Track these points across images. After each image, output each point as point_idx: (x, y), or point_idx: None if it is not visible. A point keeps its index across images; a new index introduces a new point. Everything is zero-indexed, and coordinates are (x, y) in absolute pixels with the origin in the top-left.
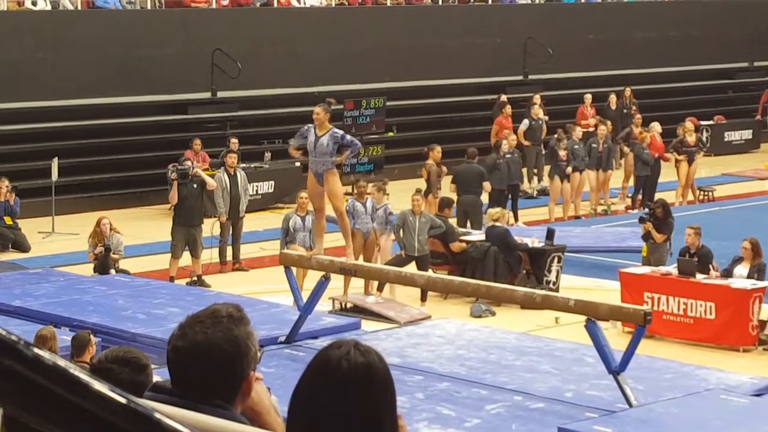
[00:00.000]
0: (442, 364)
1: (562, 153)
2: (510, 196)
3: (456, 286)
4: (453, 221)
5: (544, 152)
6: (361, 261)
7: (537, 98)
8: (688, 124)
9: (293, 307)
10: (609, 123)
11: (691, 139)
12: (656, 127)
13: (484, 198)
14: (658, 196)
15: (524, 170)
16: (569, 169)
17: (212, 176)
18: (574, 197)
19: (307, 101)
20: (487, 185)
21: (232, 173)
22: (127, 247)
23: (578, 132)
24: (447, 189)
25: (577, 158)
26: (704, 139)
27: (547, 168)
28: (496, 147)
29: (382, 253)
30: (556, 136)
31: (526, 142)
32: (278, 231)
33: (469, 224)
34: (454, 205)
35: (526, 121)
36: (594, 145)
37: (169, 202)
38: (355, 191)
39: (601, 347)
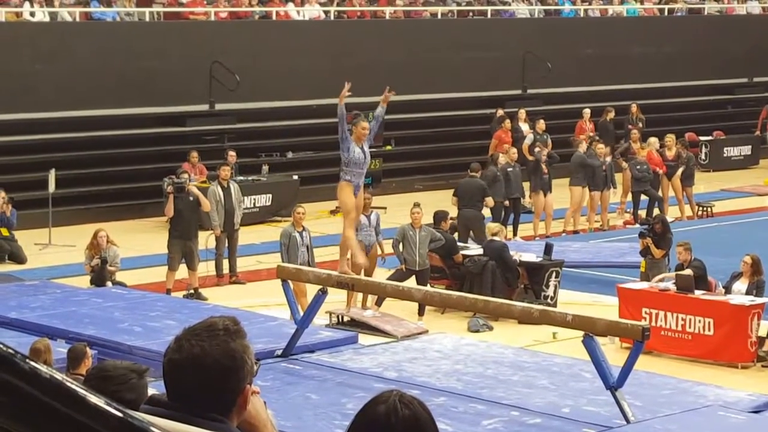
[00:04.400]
0: (439, 379)
1: (545, 167)
2: (513, 210)
3: (454, 300)
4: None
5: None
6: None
7: (522, 113)
8: (668, 138)
9: (290, 320)
10: (598, 139)
11: (670, 153)
12: (654, 142)
13: (486, 212)
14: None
15: (526, 184)
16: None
17: (207, 189)
18: (572, 212)
19: (306, 114)
20: (489, 201)
21: (226, 186)
22: (123, 260)
23: (583, 146)
24: (448, 202)
25: (579, 174)
26: (703, 155)
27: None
28: (493, 160)
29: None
30: (537, 149)
31: (530, 157)
32: (275, 244)
33: (471, 238)
34: (449, 217)
35: (531, 136)
36: (597, 165)
37: (165, 215)
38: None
39: (598, 363)
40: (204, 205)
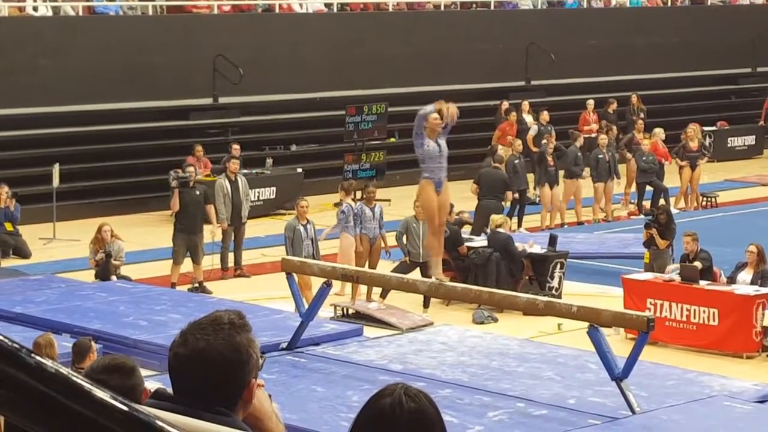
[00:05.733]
0: (444, 371)
1: (550, 159)
2: (518, 202)
3: (458, 292)
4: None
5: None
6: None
7: (526, 104)
8: (691, 129)
9: (295, 313)
10: (614, 128)
11: (693, 144)
12: (659, 132)
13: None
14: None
15: (530, 176)
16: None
17: (213, 182)
18: (572, 204)
19: (309, 107)
20: (509, 194)
21: (234, 179)
22: (128, 254)
23: (581, 140)
24: (467, 190)
25: (579, 165)
26: (707, 144)
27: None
28: (492, 152)
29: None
30: (543, 141)
31: (534, 148)
32: (280, 237)
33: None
34: (454, 209)
35: (535, 127)
36: (600, 156)
37: (170, 209)
38: (365, 196)
39: (603, 354)
40: (213, 233)
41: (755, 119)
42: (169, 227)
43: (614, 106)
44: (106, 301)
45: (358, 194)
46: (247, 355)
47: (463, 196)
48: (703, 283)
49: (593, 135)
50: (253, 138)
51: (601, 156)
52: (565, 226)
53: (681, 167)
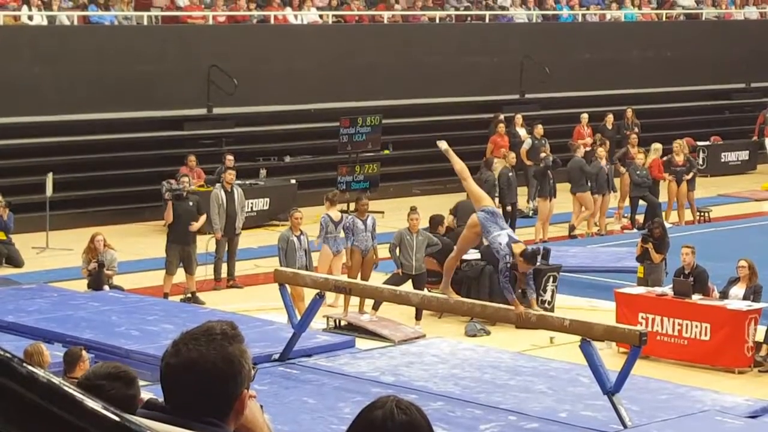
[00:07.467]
0: (437, 383)
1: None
2: (510, 215)
3: (451, 305)
4: None
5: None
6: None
7: (519, 118)
8: (677, 144)
9: (287, 324)
10: (607, 143)
11: (679, 159)
12: (659, 149)
13: None
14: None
15: (521, 189)
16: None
17: (206, 192)
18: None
19: (303, 118)
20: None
21: (229, 190)
22: (121, 264)
23: (581, 151)
24: (445, 206)
25: (581, 179)
26: (701, 159)
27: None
28: (487, 164)
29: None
30: (543, 155)
31: (528, 162)
32: (273, 248)
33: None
34: (446, 222)
35: (528, 140)
36: (601, 168)
37: (164, 220)
38: (356, 208)
39: (596, 367)
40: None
41: (749, 134)
42: (162, 237)
43: (611, 120)
44: (99, 311)
45: (352, 206)
46: (239, 366)
47: None
48: (695, 298)
49: (588, 149)
50: (247, 149)
51: (601, 168)
52: (594, 236)
53: (669, 182)
